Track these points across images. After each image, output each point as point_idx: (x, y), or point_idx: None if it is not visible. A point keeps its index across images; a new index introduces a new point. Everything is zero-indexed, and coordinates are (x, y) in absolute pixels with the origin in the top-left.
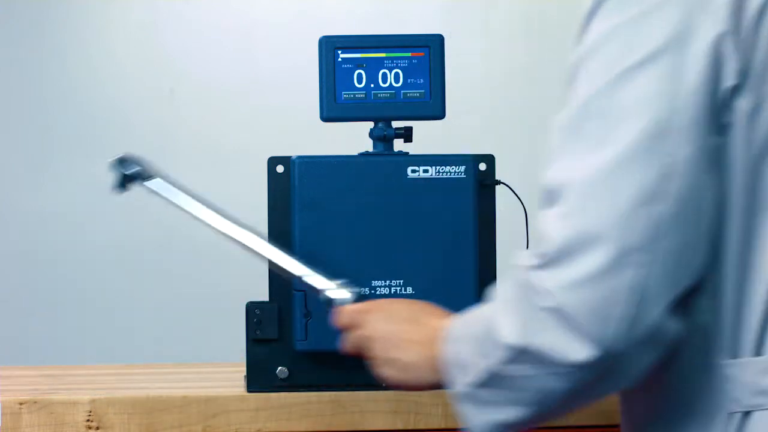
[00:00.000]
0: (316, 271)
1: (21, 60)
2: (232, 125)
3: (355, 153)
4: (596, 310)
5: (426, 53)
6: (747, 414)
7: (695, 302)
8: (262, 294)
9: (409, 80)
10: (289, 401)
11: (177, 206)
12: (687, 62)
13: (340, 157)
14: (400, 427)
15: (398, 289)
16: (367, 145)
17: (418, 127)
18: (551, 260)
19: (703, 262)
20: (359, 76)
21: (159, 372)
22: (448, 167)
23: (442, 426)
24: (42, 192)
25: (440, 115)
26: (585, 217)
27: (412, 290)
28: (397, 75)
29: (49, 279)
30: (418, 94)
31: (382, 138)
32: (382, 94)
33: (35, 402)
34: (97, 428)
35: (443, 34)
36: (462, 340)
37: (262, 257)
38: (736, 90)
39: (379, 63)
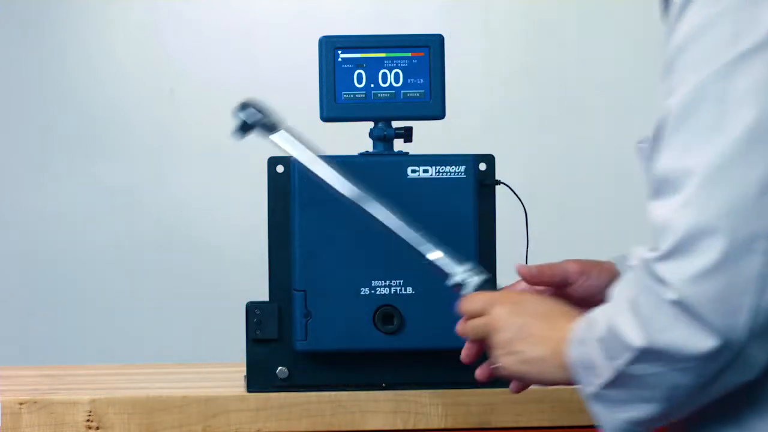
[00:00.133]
0: (446, 252)
1: (21, 60)
2: (232, 125)
3: (355, 153)
4: (720, 301)
5: (426, 53)
6: None
7: None
8: (262, 294)
9: (409, 80)
10: (289, 401)
11: (298, 161)
12: None
13: (340, 157)
14: (400, 427)
15: (398, 289)
16: (367, 145)
17: (418, 127)
18: (672, 252)
19: None
20: (359, 76)
21: (159, 372)
22: (448, 167)
23: (442, 426)
24: (42, 192)
25: (440, 115)
26: (707, 206)
27: (412, 290)
28: (397, 75)
29: (49, 279)
30: (418, 94)
31: (382, 138)
32: (382, 94)
33: (35, 402)
34: (97, 428)
35: (443, 34)
36: (587, 342)
37: (387, 228)
38: None
39: (379, 63)
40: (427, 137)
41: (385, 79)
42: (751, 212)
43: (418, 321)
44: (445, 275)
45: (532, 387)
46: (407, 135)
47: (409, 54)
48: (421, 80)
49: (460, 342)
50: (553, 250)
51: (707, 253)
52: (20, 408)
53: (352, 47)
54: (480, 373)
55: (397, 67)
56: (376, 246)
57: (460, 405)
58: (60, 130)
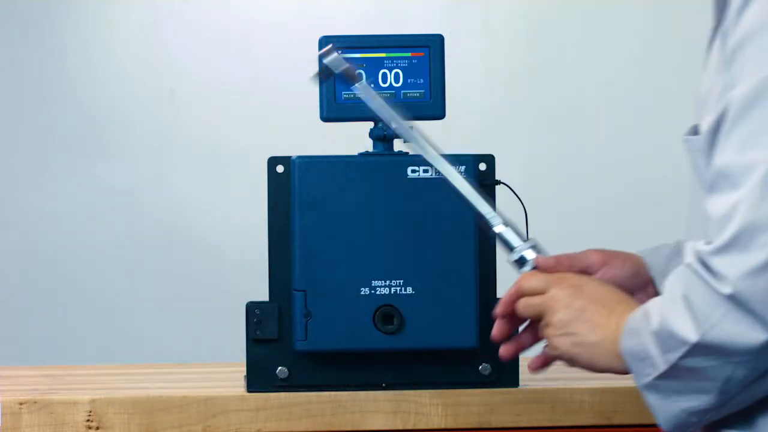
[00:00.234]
0: (513, 227)
1: (21, 60)
2: (232, 125)
3: (355, 153)
4: None
5: (426, 53)
6: None
7: None
8: (262, 294)
9: (409, 80)
10: (289, 401)
11: (376, 116)
12: None
13: (340, 157)
14: (400, 427)
15: (398, 289)
16: (367, 145)
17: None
18: (728, 246)
19: None
20: (359, 76)
21: (159, 372)
22: None
23: (442, 426)
24: (42, 192)
25: (440, 115)
26: (766, 202)
27: (412, 290)
28: (397, 75)
29: (49, 279)
30: (418, 94)
31: (382, 138)
32: (382, 94)
33: (35, 402)
34: (97, 428)
35: (443, 34)
36: (642, 334)
37: (458, 192)
38: None
39: (379, 63)
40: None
41: (385, 79)
42: None
43: (418, 321)
44: (508, 250)
45: (532, 387)
46: None
47: (409, 54)
48: (421, 80)
49: (460, 342)
50: (553, 250)
51: (764, 249)
52: (20, 408)
53: (352, 47)
54: (535, 363)
55: (397, 67)
56: (376, 246)
57: (460, 405)
58: (60, 130)
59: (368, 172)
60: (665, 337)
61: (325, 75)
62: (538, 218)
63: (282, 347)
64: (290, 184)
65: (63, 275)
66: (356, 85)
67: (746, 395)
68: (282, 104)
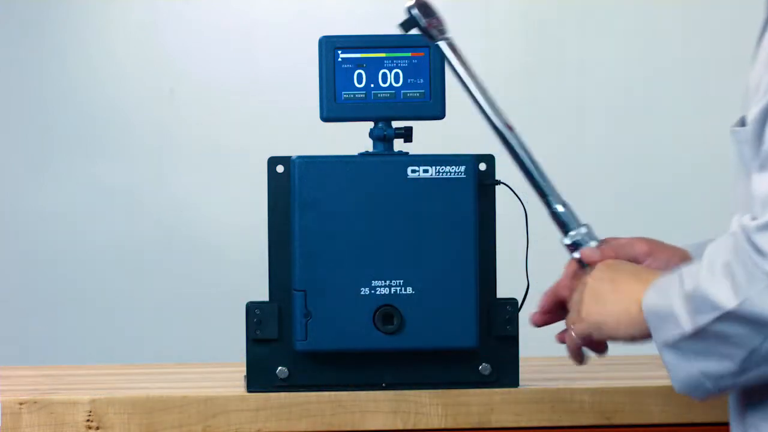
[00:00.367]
0: (569, 209)
1: (21, 60)
2: (232, 125)
3: (355, 153)
4: None
5: (426, 53)
6: None
7: None
8: (262, 294)
9: (409, 80)
10: (289, 401)
11: (455, 74)
12: None
13: (340, 157)
14: (400, 427)
15: (398, 289)
16: (367, 145)
17: (418, 127)
18: None
19: None
20: (359, 76)
21: (159, 372)
22: (448, 167)
23: (442, 426)
24: (42, 192)
25: (440, 115)
26: None
27: (412, 290)
28: (397, 75)
29: (49, 279)
30: (418, 94)
31: (382, 138)
32: (382, 94)
33: (35, 402)
34: (97, 428)
35: None
36: (670, 294)
37: (523, 169)
38: None
39: (379, 63)
40: (427, 137)
41: (385, 79)
42: None
43: (418, 321)
44: (563, 232)
45: (532, 387)
46: (407, 135)
47: (409, 54)
48: (421, 80)
49: (459, 342)
50: (553, 250)
51: None
52: (20, 408)
53: (352, 47)
54: (560, 337)
55: (397, 67)
56: (376, 246)
57: (460, 405)
58: (60, 130)
59: (368, 172)
60: (698, 301)
61: (408, 26)
62: (538, 218)
63: (282, 347)
64: (290, 184)
65: (63, 275)
66: (440, 41)
67: (764, 371)
68: (282, 104)
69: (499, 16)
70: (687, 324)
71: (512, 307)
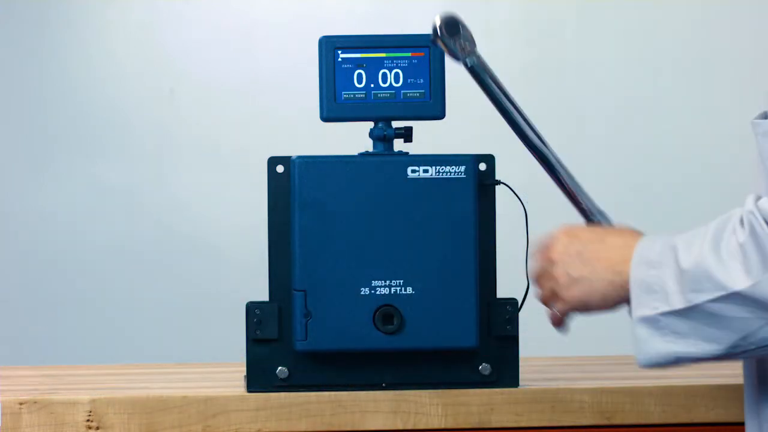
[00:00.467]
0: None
1: (21, 60)
2: (232, 125)
3: (355, 153)
4: None
5: (426, 53)
6: None
7: None
8: (262, 294)
9: (409, 80)
10: (289, 401)
11: (485, 91)
12: None
13: (340, 157)
14: (400, 427)
15: (398, 289)
16: (367, 145)
17: (418, 127)
18: None
19: None
20: (359, 76)
21: (159, 372)
22: (448, 167)
23: (442, 426)
24: (42, 192)
25: (440, 115)
26: None
27: (412, 290)
28: (397, 75)
29: (49, 279)
30: (418, 94)
31: (382, 138)
32: (382, 94)
33: (35, 402)
34: (97, 428)
35: None
36: (664, 267)
37: (558, 181)
38: None
39: (379, 63)
40: (427, 137)
41: (385, 79)
42: None
43: (418, 321)
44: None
45: (532, 387)
46: (407, 135)
47: (409, 54)
48: (421, 80)
49: (459, 342)
50: None
51: None
52: (20, 408)
53: (352, 47)
54: (554, 320)
55: (397, 67)
56: (376, 246)
57: (460, 405)
58: (60, 130)
59: (368, 172)
60: (698, 277)
61: (437, 38)
62: (539, 218)
63: (282, 347)
64: (290, 184)
65: (63, 275)
66: (468, 58)
67: (755, 352)
68: (282, 104)
69: (499, 16)
70: (677, 301)
71: (512, 307)
